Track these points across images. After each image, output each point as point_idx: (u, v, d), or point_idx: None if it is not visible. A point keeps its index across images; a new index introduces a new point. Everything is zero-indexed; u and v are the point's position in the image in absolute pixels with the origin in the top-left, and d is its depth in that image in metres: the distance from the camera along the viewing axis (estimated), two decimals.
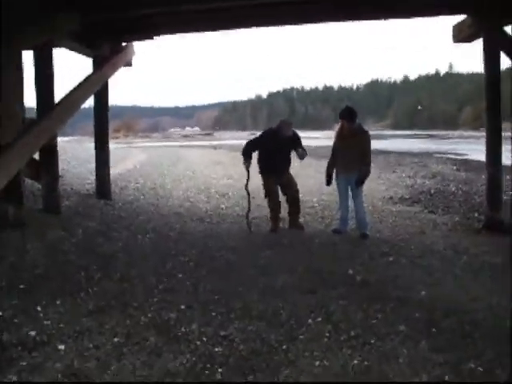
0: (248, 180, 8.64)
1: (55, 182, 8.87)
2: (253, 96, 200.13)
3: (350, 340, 4.12)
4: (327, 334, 4.22)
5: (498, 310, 4.78)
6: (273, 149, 8.34)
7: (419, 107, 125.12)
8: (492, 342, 4.04)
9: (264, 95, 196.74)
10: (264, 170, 8.57)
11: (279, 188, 8.65)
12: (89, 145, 20.25)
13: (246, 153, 8.54)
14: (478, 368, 3.63)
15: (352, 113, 8.15)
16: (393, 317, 4.59)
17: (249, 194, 8.67)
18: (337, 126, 8.49)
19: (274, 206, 8.56)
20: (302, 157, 8.45)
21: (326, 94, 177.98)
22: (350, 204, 8.30)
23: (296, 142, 8.50)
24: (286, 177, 8.63)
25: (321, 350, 3.93)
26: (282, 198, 8.68)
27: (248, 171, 8.54)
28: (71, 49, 9.75)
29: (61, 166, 10.82)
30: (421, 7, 8.93)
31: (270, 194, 8.58)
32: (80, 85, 9.19)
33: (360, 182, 8.08)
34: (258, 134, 9.08)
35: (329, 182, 8.42)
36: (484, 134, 9.08)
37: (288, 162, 8.61)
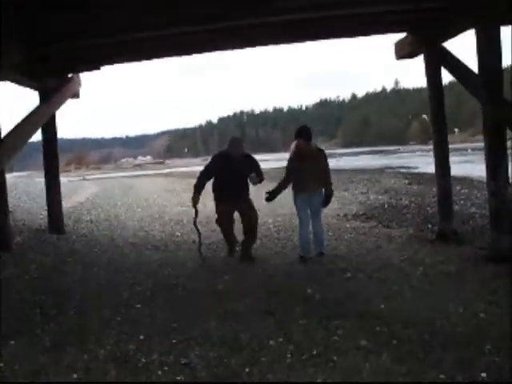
0: (196, 216, 8.21)
1: (5, 218, 8.66)
2: (203, 122, 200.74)
3: (312, 358, 4.10)
4: (289, 355, 4.20)
5: (455, 318, 4.84)
6: (226, 173, 7.83)
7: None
8: (451, 350, 4.09)
9: (214, 120, 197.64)
10: (217, 197, 8.12)
11: (239, 215, 8.14)
12: (40, 179, 19.89)
13: (198, 185, 8.03)
14: (439, 376, 3.66)
15: (309, 131, 7.86)
16: (353, 332, 4.60)
17: (198, 230, 8.20)
18: (292, 146, 8.00)
19: (226, 233, 8.24)
20: (254, 182, 7.88)
21: (275, 117, 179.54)
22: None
23: (252, 165, 8.01)
24: (244, 204, 8.02)
25: (284, 372, 3.90)
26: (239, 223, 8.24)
27: (196, 207, 8.07)
28: (15, 82, 9.60)
29: (11, 201, 10.62)
30: (360, 26, 9.08)
31: (220, 222, 8.16)
32: (26, 118, 9.03)
33: (327, 202, 7.90)
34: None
35: (269, 200, 8.04)
36: (432, 147, 9.28)
37: (244, 186, 8.00)
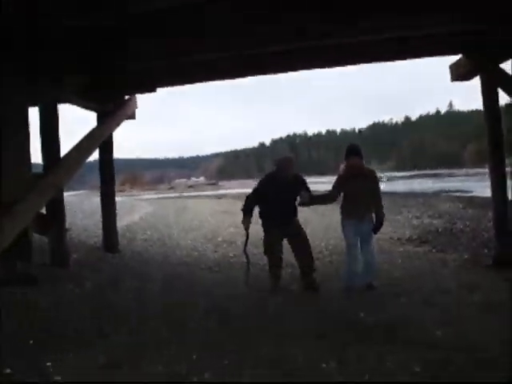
0: (247, 241, 7.78)
1: (62, 235, 8.88)
2: (256, 144, 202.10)
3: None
4: (341, 379, 4.16)
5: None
6: (274, 196, 7.31)
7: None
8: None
9: (267, 143, 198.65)
10: (265, 223, 7.60)
11: (287, 241, 7.60)
12: (95, 198, 20.32)
13: (246, 209, 7.58)
14: None
15: (359, 149, 7.31)
16: (407, 358, 4.52)
17: (247, 257, 7.81)
18: (341, 166, 7.37)
19: (274, 262, 7.53)
20: (304, 202, 7.39)
21: (328, 139, 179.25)
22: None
23: (301, 185, 7.51)
24: (292, 226, 7.53)
25: None
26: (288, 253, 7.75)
27: (247, 231, 7.63)
28: (76, 104, 9.91)
29: (68, 219, 10.87)
30: (418, 48, 9.04)
31: (269, 249, 7.55)
32: (85, 139, 9.31)
33: (378, 228, 7.30)
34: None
35: (304, 204, 7.51)
36: (488, 170, 9.12)
37: (293, 208, 7.55)
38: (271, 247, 7.51)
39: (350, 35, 7.47)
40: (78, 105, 10.05)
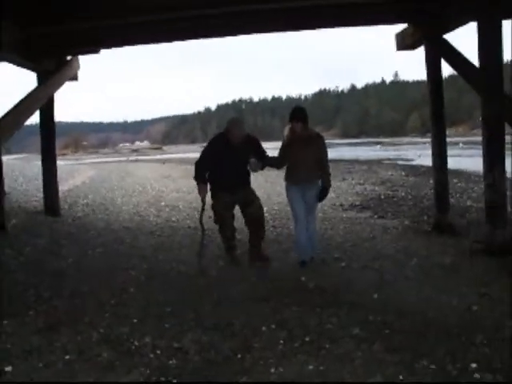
0: (203, 210, 7.03)
1: (1, 199, 8.63)
2: (202, 109, 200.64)
3: (304, 345, 4.12)
4: (282, 341, 4.22)
5: (448, 309, 4.86)
6: (223, 158, 6.74)
7: None
8: (443, 340, 4.11)
9: (213, 108, 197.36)
10: (215, 189, 6.94)
11: (240, 209, 7.02)
12: (36, 162, 19.85)
13: (198, 175, 6.93)
14: (430, 365, 3.68)
15: (304, 112, 6.80)
16: (347, 320, 4.62)
17: (203, 228, 7.03)
18: (286, 130, 6.93)
19: (227, 233, 6.97)
20: (254, 168, 6.80)
21: (274, 105, 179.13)
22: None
23: (255, 148, 6.95)
24: (245, 193, 6.96)
25: (276, 358, 3.92)
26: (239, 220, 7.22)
27: (203, 201, 6.93)
28: (14, 63, 9.53)
29: (7, 183, 10.60)
30: (362, 16, 9.04)
31: (221, 218, 6.90)
32: (24, 100, 9.00)
33: (323, 196, 6.90)
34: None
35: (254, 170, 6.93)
36: (430, 139, 9.27)
37: (246, 174, 6.99)
38: (221, 215, 6.87)
39: None
40: (16, 63, 9.65)
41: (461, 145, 42.63)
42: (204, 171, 6.94)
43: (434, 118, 8.90)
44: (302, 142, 6.67)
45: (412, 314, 4.75)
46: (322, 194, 6.89)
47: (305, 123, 6.72)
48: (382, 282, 5.86)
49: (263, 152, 7.02)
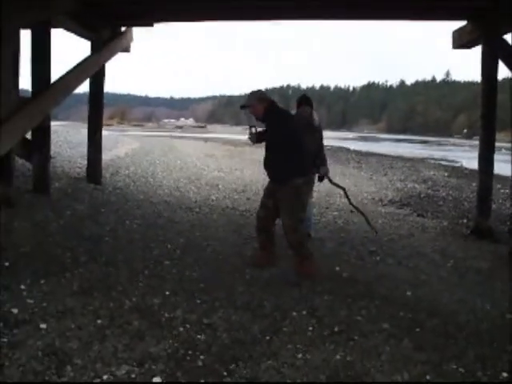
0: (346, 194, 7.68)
1: (46, 163, 8.79)
2: (248, 92, 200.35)
3: (333, 335, 4.11)
4: (311, 328, 4.22)
5: (481, 314, 4.80)
6: (282, 141, 5.66)
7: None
8: (474, 344, 4.06)
9: None
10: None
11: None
12: (82, 130, 20.14)
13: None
14: (459, 369, 3.64)
15: (310, 100, 7.27)
16: (377, 314, 4.59)
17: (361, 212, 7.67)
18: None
19: (259, 221, 5.95)
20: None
21: (321, 94, 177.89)
22: None
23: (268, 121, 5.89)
24: (280, 193, 5.68)
25: (303, 344, 3.92)
26: None
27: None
28: (70, 30, 9.66)
29: (53, 148, 10.74)
30: (422, 10, 8.92)
31: (260, 206, 6.01)
32: (76, 67, 9.13)
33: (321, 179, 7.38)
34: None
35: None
36: (477, 142, 9.11)
37: (277, 163, 5.72)
38: (261, 200, 6.05)
39: None
40: (72, 30, 9.77)
41: (503, 150, 41.82)
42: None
43: (484, 120, 8.73)
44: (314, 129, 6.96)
45: (444, 315, 4.71)
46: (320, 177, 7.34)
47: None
48: (416, 279, 5.81)
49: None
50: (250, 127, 5.99)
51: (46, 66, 8.49)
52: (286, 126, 5.73)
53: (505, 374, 3.61)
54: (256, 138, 6.03)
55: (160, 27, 10.86)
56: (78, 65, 9.24)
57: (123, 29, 10.85)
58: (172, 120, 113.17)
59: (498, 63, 8.48)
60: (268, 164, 5.82)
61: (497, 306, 5.03)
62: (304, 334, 4.11)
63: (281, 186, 5.66)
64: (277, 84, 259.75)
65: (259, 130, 6.00)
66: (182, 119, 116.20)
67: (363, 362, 3.70)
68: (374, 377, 3.50)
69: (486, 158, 8.68)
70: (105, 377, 3.28)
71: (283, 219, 5.66)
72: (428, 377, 3.53)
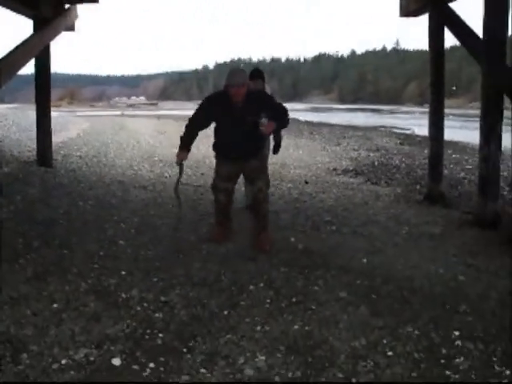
0: (180, 177, 6.08)
1: None
2: (199, 66, 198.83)
3: (291, 306, 4.15)
4: (268, 300, 4.24)
5: (435, 278, 4.91)
6: (225, 123, 5.70)
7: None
8: (428, 308, 4.15)
9: (211, 66, 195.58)
10: (217, 154, 6.03)
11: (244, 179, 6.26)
12: (30, 112, 19.68)
13: (186, 138, 5.82)
14: (414, 331, 3.72)
15: (262, 73, 7.28)
16: (334, 284, 4.65)
17: (179, 198, 6.12)
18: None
19: (219, 205, 5.96)
20: (265, 130, 5.47)
21: (272, 66, 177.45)
22: None
23: (267, 107, 5.56)
24: (250, 165, 5.74)
25: (262, 316, 3.95)
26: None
27: (181, 166, 5.99)
28: (10, 8, 9.36)
29: (0, 132, 10.50)
30: None
31: (214, 189, 5.94)
32: (19, 47, 8.88)
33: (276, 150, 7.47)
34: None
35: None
36: (427, 109, 9.24)
37: (254, 141, 5.66)
38: (215, 186, 5.91)
39: None
40: (12, 9, 9.46)
41: (450, 117, 42.54)
42: (192, 134, 5.82)
43: (433, 88, 8.83)
44: None
45: (399, 280, 4.79)
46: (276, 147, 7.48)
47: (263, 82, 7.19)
48: (371, 247, 5.89)
49: (277, 110, 5.68)
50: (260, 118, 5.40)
51: None
52: None
53: (456, 333, 3.71)
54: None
55: (107, 2, 10.63)
56: (21, 45, 9.00)
57: (67, 6, 10.57)
58: (123, 98, 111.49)
59: (444, 31, 8.56)
60: (239, 142, 5.64)
61: (449, 270, 5.14)
62: (262, 306, 4.13)
63: (249, 160, 5.74)
64: (227, 58, 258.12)
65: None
66: (134, 97, 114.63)
67: (321, 330, 3.74)
68: (333, 344, 3.55)
69: (436, 125, 8.81)
70: (63, 361, 3.24)
71: (259, 189, 5.75)
72: (385, 341, 3.60)
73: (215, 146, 6.01)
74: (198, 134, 5.85)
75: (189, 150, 5.84)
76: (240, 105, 5.56)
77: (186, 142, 5.82)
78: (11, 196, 7.58)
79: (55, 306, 4.00)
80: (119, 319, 3.81)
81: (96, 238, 5.88)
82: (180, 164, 5.91)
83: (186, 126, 5.87)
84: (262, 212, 5.85)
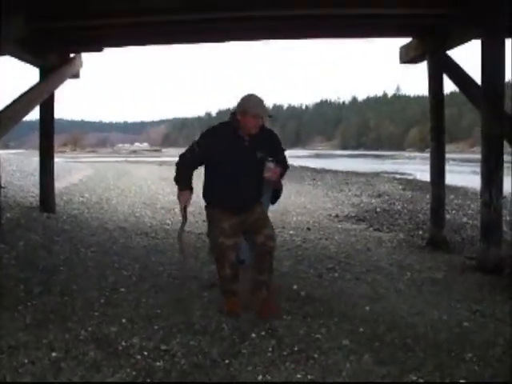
0: (184, 224, 5.10)
1: None
2: (202, 113, 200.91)
3: (293, 354, 4.09)
4: (270, 349, 4.19)
5: (439, 324, 4.84)
6: (230, 162, 4.76)
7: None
8: (432, 355, 4.09)
9: (213, 113, 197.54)
10: (213, 207, 4.95)
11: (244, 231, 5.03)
12: (34, 158, 19.82)
13: (181, 177, 4.97)
14: (418, 380, 3.66)
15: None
16: (337, 331, 4.59)
17: (183, 249, 5.63)
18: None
19: (226, 271, 4.89)
20: (273, 175, 4.78)
21: (274, 113, 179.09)
22: None
23: (276, 147, 4.97)
24: (255, 213, 4.93)
25: (263, 365, 3.89)
26: None
27: (185, 210, 4.99)
28: (16, 57, 9.49)
29: (4, 177, 10.56)
30: (369, 28, 9.08)
31: (218, 250, 4.90)
32: (25, 94, 9.00)
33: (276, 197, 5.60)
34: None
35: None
36: (429, 155, 9.29)
37: (260, 185, 4.95)
38: (219, 246, 4.86)
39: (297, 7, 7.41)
40: (19, 57, 9.60)
41: (450, 162, 42.73)
42: (190, 172, 4.95)
43: (434, 133, 8.91)
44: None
45: (402, 327, 4.73)
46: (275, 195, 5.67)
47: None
48: (374, 294, 5.83)
49: (283, 154, 5.07)
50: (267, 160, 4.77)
51: None
52: None
53: (462, 382, 3.65)
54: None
55: (111, 52, 10.82)
56: (27, 92, 9.11)
57: (72, 55, 10.74)
58: (126, 145, 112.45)
59: (442, 77, 8.68)
60: (250, 189, 4.89)
61: (454, 316, 5.09)
62: (264, 354, 4.07)
63: (251, 207, 4.92)
64: (231, 105, 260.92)
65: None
66: (137, 144, 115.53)
67: (325, 379, 3.69)
68: None
69: (438, 170, 8.85)
70: None
71: (268, 237, 4.89)
72: None
73: (210, 195, 4.96)
74: (192, 175, 4.97)
75: (191, 189, 4.93)
76: (249, 141, 4.81)
77: (185, 180, 4.93)
78: (13, 242, 7.57)
79: (54, 354, 3.94)
80: (119, 368, 3.75)
81: (97, 284, 5.85)
82: (184, 208, 4.96)
83: (180, 166, 4.99)
84: (268, 263, 4.97)
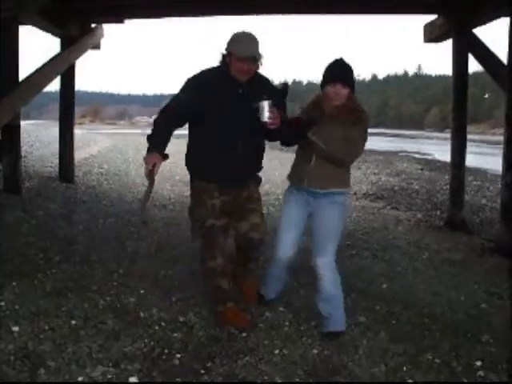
0: (149, 192, 3.95)
1: (17, 162, 8.66)
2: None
3: (310, 329, 4.11)
4: (287, 324, 4.21)
5: (456, 305, 4.84)
6: (222, 113, 3.89)
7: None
8: (449, 335, 4.09)
9: None
10: (199, 171, 4.17)
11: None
12: (54, 129, 19.90)
13: (155, 134, 3.94)
14: (435, 359, 3.66)
15: (349, 73, 3.96)
16: (353, 308, 4.59)
17: (146, 222, 5.65)
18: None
19: (219, 262, 3.97)
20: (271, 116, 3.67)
21: (294, 89, 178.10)
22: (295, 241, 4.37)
23: (274, 97, 3.85)
24: (249, 192, 4.19)
25: (281, 339, 3.91)
26: None
27: (151, 177, 3.83)
28: (38, 27, 9.49)
29: (24, 147, 10.61)
30: (394, 4, 8.94)
31: (208, 233, 4.00)
32: (46, 64, 9.01)
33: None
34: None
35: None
36: (449, 135, 9.19)
37: (260, 150, 4.16)
38: (207, 228, 4.00)
39: None
40: (40, 27, 9.58)
41: (471, 143, 42.45)
42: (168, 130, 3.99)
43: (456, 113, 8.79)
44: (331, 117, 3.88)
45: (419, 307, 4.73)
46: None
47: (350, 89, 3.92)
48: (391, 272, 5.83)
49: (284, 106, 4.18)
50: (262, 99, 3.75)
51: (14, 64, 8.35)
52: None
53: (478, 363, 3.65)
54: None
55: (131, 23, 10.75)
56: (48, 62, 9.12)
57: (93, 25, 10.71)
58: (145, 117, 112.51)
59: (467, 57, 8.53)
60: (248, 156, 4.03)
61: (471, 297, 5.08)
62: (281, 329, 4.10)
63: (246, 184, 4.16)
64: None
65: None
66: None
67: (340, 355, 3.70)
68: (352, 370, 3.51)
69: (458, 151, 8.75)
70: (80, 378, 3.24)
71: (254, 225, 4.11)
72: (404, 368, 3.54)
73: (196, 162, 4.18)
74: (172, 134, 3.99)
75: (164, 155, 3.88)
76: (244, 88, 3.92)
77: (158, 141, 3.91)
78: (33, 211, 7.64)
79: (74, 322, 4.00)
80: (137, 338, 3.79)
81: (116, 255, 5.89)
82: (150, 172, 3.81)
83: (159, 121, 3.98)
84: (258, 252, 4.39)
